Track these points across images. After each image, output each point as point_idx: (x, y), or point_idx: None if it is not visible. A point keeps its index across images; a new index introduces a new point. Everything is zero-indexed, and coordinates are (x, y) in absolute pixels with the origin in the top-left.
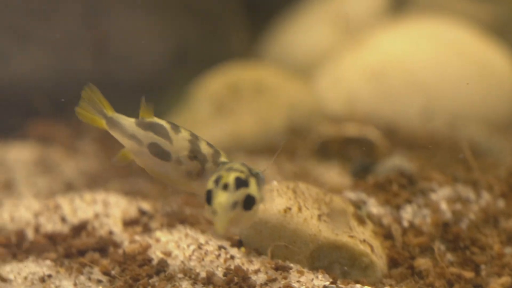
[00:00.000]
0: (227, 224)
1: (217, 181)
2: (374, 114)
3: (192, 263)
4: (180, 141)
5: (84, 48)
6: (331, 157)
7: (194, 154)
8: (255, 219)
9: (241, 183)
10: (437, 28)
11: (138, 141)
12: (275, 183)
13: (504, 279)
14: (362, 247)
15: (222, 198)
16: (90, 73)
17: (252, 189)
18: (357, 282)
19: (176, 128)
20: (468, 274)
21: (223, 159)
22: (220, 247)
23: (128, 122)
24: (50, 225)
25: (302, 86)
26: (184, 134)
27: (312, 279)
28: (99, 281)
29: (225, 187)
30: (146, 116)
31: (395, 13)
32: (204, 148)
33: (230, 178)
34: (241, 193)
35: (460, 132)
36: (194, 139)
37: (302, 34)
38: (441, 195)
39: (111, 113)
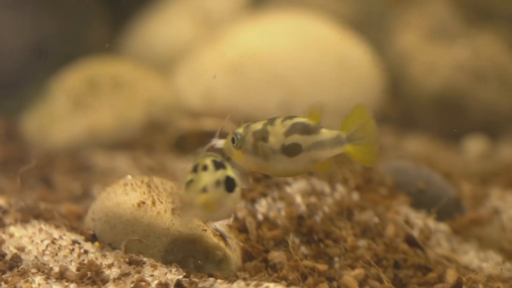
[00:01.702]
0: (215, 204)
1: (195, 168)
2: (233, 109)
3: (45, 258)
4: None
5: None
6: (189, 152)
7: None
8: (237, 204)
9: (218, 164)
10: (296, 22)
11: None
12: (129, 177)
13: (357, 271)
14: (216, 241)
15: (205, 178)
16: None
17: (230, 171)
18: (211, 275)
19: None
20: (322, 267)
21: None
22: (74, 242)
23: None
24: None
25: (161, 81)
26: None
27: (166, 273)
28: None
29: (205, 168)
30: (313, 120)
31: (255, 8)
32: None
33: (207, 160)
34: (221, 173)
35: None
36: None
37: (162, 29)
38: (296, 189)
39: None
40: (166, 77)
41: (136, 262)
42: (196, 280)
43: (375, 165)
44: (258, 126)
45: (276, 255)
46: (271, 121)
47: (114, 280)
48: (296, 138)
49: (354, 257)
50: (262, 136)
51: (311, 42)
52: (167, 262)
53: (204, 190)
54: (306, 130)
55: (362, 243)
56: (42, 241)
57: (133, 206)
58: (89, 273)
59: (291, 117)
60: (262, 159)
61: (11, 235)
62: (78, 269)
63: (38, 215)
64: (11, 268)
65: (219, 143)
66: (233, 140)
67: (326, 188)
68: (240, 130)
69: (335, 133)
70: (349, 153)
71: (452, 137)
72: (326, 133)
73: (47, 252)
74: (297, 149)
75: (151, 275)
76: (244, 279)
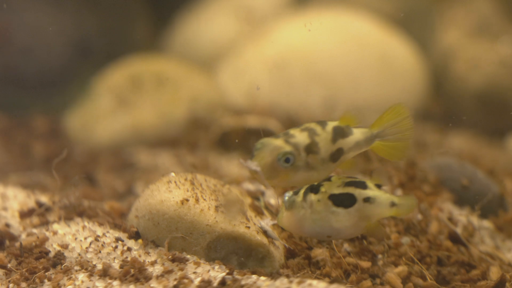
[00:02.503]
0: None
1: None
2: (276, 106)
3: (89, 255)
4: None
5: None
6: (232, 149)
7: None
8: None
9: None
10: (338, 19)
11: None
12: (172, 174)
13: (401, 269)
14: (259, 238)
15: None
16: None
17: None
18: (254, 272)
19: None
20: (365, 264)
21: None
22: (117, 239)
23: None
24: None
25: (204, 78)
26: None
27: (209, 270)
28: None
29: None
30: (348, 123)
31: (297, 5)
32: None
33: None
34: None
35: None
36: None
37: (205, 26)
38: None
39: None
40: (210, 74)
41: (179, 260)
42: (239, 277)
43: (403, 159)
44: (301, 138)
45: (319, 252)
46: (309, 130)
47: (157, 277)
48: (340, 143)
49: (398, 254)
50: (313, 149)
51: (353, 39)
52: (210, 260)
53: None
54: (344, 133)
55: (405, 240)
56: (85, 238)
57: (177, 204)
58: (132, 271)
59: (323, 122)
60: (310, 172)
61: (55, 233)
62: (121, 267)
63: (82, 213)
64: (54, 266)
65: (253, 165)
66: (286, 160)
67: None
68: (285, 148)
69: (366, 131)
70: (375, 149)
71: (496, 133)
72: (358, 132)
73: (90, 250)
74: (341, 153)
75: (194, 272)
76: (287, 276)
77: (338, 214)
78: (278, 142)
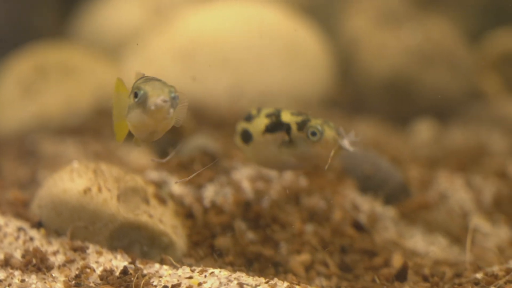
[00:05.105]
0: None
1: None
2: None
3: None
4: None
5: None
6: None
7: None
8: None
9: None
10: (246, 8)
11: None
12: (75, 163)
13: (304, 257)
14: (162, 227)
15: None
16: None
17: None
18: (157, 262)
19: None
20: (268, 252)
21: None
22: (19, 229)
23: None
24: None
25: (110, 66)
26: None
27: (111, 259)
28: None
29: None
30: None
31: None
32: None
33: None
34: None
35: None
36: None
37: (111, 14)
38: (244, 174)
39: None
40: (116, 62)
41: (81, 249)
42: (141, 266)
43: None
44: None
45: (223, 241)
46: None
47: (59, 267)
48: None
49: (301, 242)
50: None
51: (261, 27)
52: (113, 249)
53: None
54: None
55: (309, 228)
56: None
57: (79, 193)
58: (34, 260)
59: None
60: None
61: None
62: (23, 256)
63: None
64: None
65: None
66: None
67: (274, 173)
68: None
69: None
70: None
71: (401, 120)
72: None
73: None
74: None
75: (96, 262)
76: (190, 265)
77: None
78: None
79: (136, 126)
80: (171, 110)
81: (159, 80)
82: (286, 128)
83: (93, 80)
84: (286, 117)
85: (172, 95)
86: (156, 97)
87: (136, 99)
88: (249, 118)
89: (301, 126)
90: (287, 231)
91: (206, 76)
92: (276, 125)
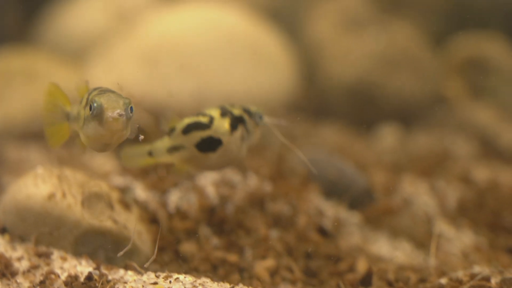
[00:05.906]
0: None
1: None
2: (148, 98)
3: None
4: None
5: None
6: None
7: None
8: None
9: None
10: (210, 12)
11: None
12: (39, 169)
13: (269, 262)
14: (126, 233)
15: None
16: None
17: None
18: (122, 267)
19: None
20: (233, 258)
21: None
22: None
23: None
24: None
25: (74, 71)
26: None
27: (76, 265)
28: None
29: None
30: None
31: None
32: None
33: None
34: None
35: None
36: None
37: (74, 18)
38: (209, 179)
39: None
40: (80, 67)
41: (46, 255)
42: (106, 272)
43: None
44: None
45: (187, 246)
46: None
47: (24, 272)
48: None
49: (266, 247)
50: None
51: (225, 31)
52: (77, 254)
53: None
54: None
55: (274, 233)
56: None
57: (43, 199)
58: None
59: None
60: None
61: None
62: None
63: None
64: None
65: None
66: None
67: (238, 178)
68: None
69: None
70: None
71: (365, 125)
72: None
73: None
74: None
75: (61, 268)
76: (154, 270)
77: None
78: None
79: (90, 138)
80: (126, 123)
81: (113, 92)
82: (242, 120)
83: None
84: (235, 111)
85: (127, 107)
86: (112, 110)
87: (91, 112)
88: (188, 130)
89: (251, 114)
90: (252, 236)
91: (170, 80)
92: (236, 120)
